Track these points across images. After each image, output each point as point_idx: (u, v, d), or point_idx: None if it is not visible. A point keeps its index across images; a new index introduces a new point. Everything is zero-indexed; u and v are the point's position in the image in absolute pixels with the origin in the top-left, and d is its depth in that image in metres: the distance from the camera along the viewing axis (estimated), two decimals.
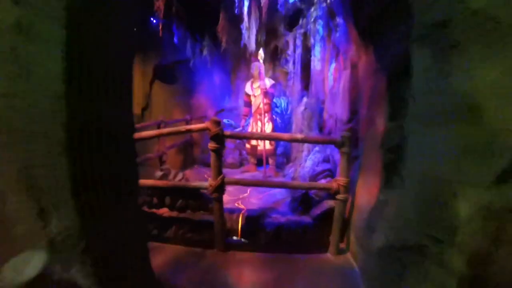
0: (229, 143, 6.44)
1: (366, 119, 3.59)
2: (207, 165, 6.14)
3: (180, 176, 4.03)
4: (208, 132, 3.26)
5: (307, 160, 4.82)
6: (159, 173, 4.04)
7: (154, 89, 6.52)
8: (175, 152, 6.48)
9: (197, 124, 6.59)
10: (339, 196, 3.50)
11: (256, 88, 5.68)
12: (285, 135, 3.69)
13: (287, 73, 6.67)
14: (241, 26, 4.35)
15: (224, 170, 5.43)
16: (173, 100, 6.40)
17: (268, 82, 5.48)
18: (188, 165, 6.60)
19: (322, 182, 4.24)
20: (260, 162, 6.06)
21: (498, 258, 1.43)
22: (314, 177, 4.34)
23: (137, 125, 5.31)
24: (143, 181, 3.78)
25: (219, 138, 3.27)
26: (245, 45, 4.95)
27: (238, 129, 6.52)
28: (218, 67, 6.74)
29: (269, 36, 6.06)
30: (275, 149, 5.86)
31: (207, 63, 6.19)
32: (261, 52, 5.06)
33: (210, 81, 6.85)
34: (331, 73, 5.14)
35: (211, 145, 3.27)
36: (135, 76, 6.23)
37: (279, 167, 6.09)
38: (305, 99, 5.97)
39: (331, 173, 4.33)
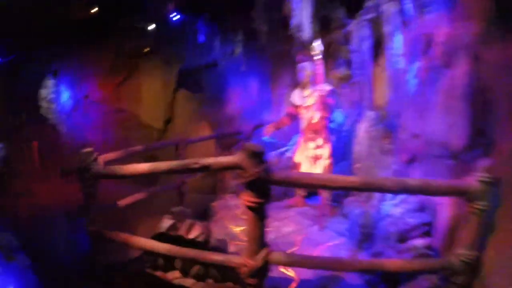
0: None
1: None
2: (239, 194, 4.76)
3: (197, 230, 2.67)
4: (241, 174, 1.92)
5: (386, 204, 3.35)
6: (166, 223, 2.74)
7: (178, 99, 5.56)
8: (201, 177, 5.18)
9: (229, 141, 5.40)
10: (457, 279, 2.11)
11: (307, 97, 4.24)
12: (389, 182, 2.17)
13: (341, 78, 5.19)
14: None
15: None
16: (200, 112, 5.34)
17: (326, 88, 4.01)
18: (218, 193, 5.26)
19: (419, 245, 2.79)
20: (310, 193, 4.75)
21: None
22: (405, 234, 2.97)
23: (150, 145, 4.09)
24: (132, 239, 2.52)
25: (262, 186, 1.93)
26: (289, 39, 3.58)
27: (282, 150, 5.10)
28: (254, 70, 5.41)
29: (321, 29, 4.61)
30: None
31: (241, 66, 4.88)
32: (317, 44, 3.60)
33: (244, 89, 5.56)
34: (414, 74, 3.63)
35: (248, 198, 1.95)
36: (155, 83, 5.16)
37: (336, 201, 4.57)
38: (369, 112, 4.46)
39: (429, 230, 2.94)
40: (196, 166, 2.06)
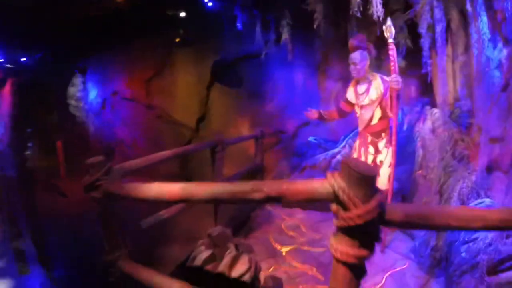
0: (319, 173, 4.58)
1: None
2: (285, 204, 4.38)
3: (242, 265, 2.25)
4: (338, 213, 1.21)
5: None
6: (202, 253, 2.32)
7: (213, 94, 5.27)
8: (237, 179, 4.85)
9: (271, 141, 5.00)
10: None
11: (363, 95, 3.69)
12: None
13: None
14: None
15: (308, 213, 4.29)
16: (237, 109, 5.01)
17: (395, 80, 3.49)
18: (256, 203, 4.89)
19: None
20: None
21: None
22: (496, 265, 2.50)
23: (181, 150, 3.73)
24: (158, 280, 2.06)
25: (371, 231, 1.27)
26: (348, 21, 3.11)
27: (331, 152, 4.65)
28: (300, 61, 4.94)
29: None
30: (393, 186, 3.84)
31: (285, 56, 4.43)
32: (389, 24, 3.03)
33: (288, 82, 5.13)
34: (496, 64, 3.09)
35: (344, 249, 1.25)
36: (188, 78, 4.85)
37: None
38: (434, 110, 3.95)
39: None
40: (258, 195, 1.43)
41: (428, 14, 3.36)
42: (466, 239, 2.85)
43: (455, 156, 3.55)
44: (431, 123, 4.08)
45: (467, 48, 3.47)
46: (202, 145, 4.02)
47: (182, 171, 5.33)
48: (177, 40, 4.93)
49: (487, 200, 2.94)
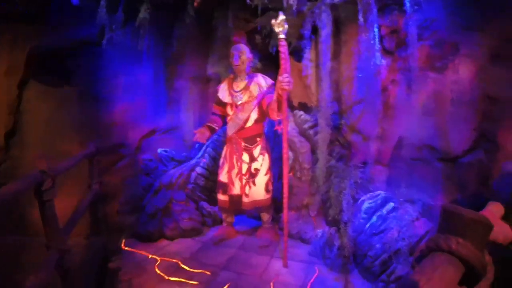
0: (177, 192, 4.43)
1: None
2: (141, 237, 4.09)
3: None
4: None
5: (363, 216, 3.78)
6: None
7: (29, 96, 4.30)
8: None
9: (109, 159, 4.39)
10: None
11: (240, 92, 4.02)
12: None
13: None
14: None
15: (178, 243, 4.25)
16: (65, 116, 4.22)
17: (267, 81, 4.16)
18: (112, 236, 4.33)
19: None
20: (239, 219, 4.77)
21: None
22: (413, 248, 3.36)
23: None
24: None
25: None
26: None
27: (189, 164, 4.69)
28: (148, 52, 4.55)
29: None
30: (272, 196, 4.30)
31: (130, 45, 4.11)
32: (282, 19, 3.23)
33: (132, 79, 4.62)
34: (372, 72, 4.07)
35: None
36: None
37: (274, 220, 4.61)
38: (298, 113, 4.89)
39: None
40: None
41: (317, 17, 3.98)
42: (374, 232, 3.68)
43: (332, 156, 4.40)
44: (295, 125, 4.80)
45: (337, 54, 4.38)
46: (18, 186, 2.61)
47: None
48: None
49: (382, 193, 3.88)
